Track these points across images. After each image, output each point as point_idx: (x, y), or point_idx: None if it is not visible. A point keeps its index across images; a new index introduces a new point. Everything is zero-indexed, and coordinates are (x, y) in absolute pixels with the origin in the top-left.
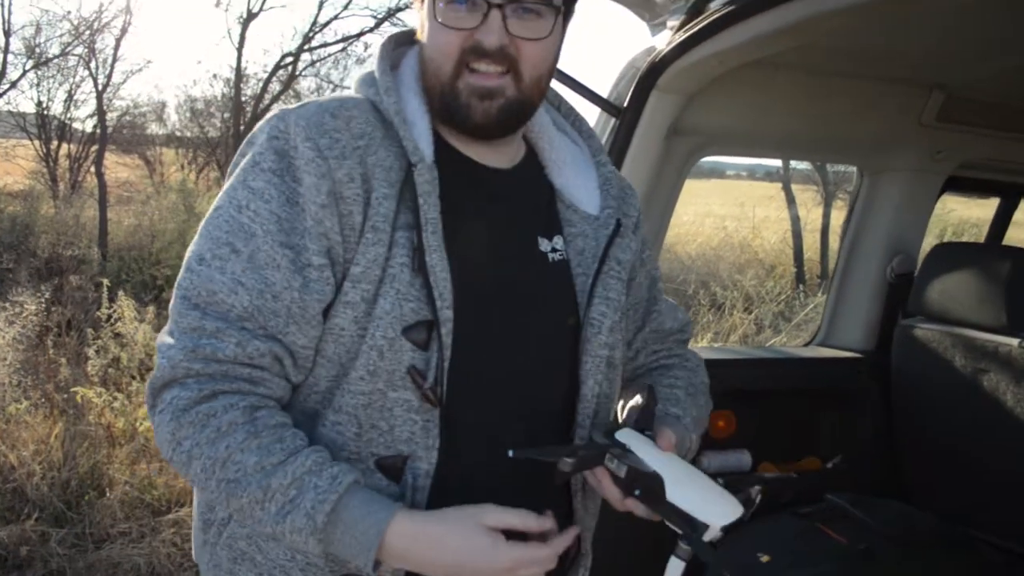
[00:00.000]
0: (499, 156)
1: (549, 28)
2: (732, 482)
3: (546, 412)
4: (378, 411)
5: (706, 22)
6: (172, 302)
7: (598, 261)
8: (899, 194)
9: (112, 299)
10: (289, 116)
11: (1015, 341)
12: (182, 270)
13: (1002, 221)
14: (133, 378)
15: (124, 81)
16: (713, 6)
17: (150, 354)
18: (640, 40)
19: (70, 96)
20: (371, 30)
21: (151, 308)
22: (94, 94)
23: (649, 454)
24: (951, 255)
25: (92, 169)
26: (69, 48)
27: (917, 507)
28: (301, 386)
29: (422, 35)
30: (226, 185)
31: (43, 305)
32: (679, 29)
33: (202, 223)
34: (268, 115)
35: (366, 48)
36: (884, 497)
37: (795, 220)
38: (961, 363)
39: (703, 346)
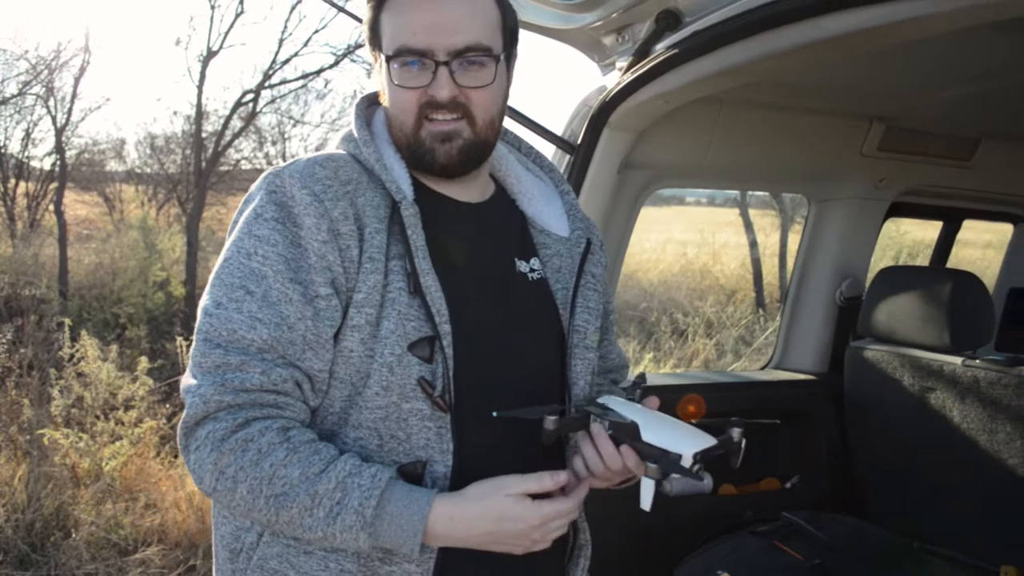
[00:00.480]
0: (470, 192)
1: (492, 75)
2: (712, 426)
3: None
4: (395, 422)
5: (651, 64)
6: (193, 348)
7: (575, 276)
8: (845, 221)
9: (75, 339)
10: (283, 172)
11: (958, 360)
12: (199, 317)
13: (945, 244)
14: (97, 418)
15: (83, 119)
16: (658, 48)
17: (114, 393)
18: (592, 80)
19: (27, 134)
20: (331, 67)
21: (114, 347)
22: (52, 132)
23: (628, 410)
24: (896, 278)
25: (51, 207)
26: (26, 88)
27: (872, 522)
28: (318, 410)
29: (384, 97)
30: (231, 239)
31: (4, 347)
32: (627, 71)
33: (212, 275)
34: (263, 175)
35: (326, 84)
36: (841, 513)
37: (753, 245)
38: (909, 382)
39: (664, 372)
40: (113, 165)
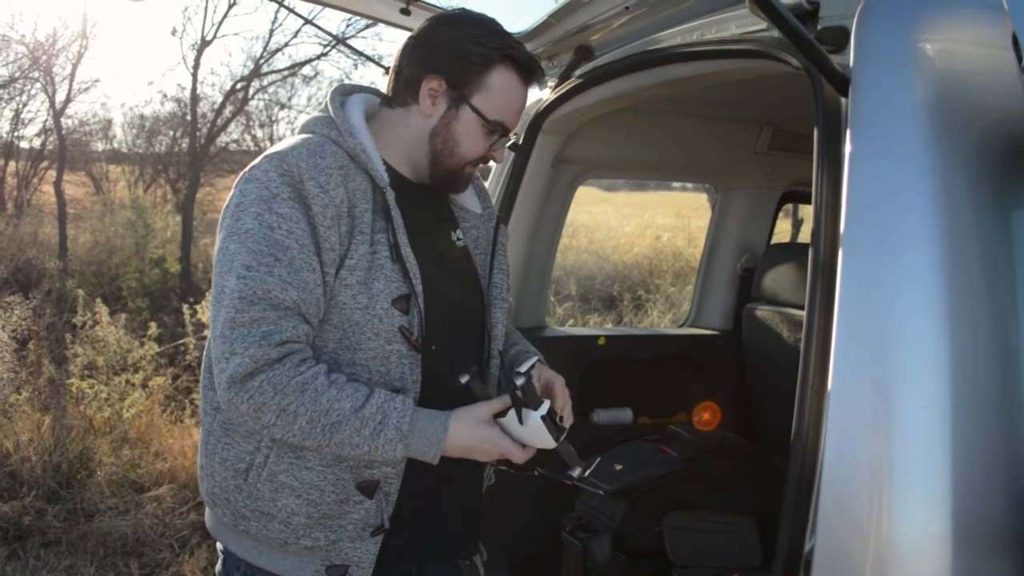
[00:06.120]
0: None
1: None
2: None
3: (472, 348)
4: (382, 360)
5: (570, 86)
6: (223, 308)
7: (491, 244)
8: (745, 206)
9: (86, 308)
10: (290, 158)
11: None
12: (232, 281)
13: None
14: (116, 374)
15: (71, 100)
16: (576, 74)
17: (124, 356)
18: (532, 94)
19: (17, 115)
20: (318, 58)
21: (123, 316)
22: (41, 113)
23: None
24: (780, 253)
25: (40, 187)
26: (27, 72)
27: (761, 444)
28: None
29: (454, 125)
30: (243, 213)
31: (29, 312)
32: (554, 89)
33: (229, 244)
34: (260, 160)
35: (316, 74)
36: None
37: None
38: (787, 335)
39: (597, 326)
40: (98, 145)
